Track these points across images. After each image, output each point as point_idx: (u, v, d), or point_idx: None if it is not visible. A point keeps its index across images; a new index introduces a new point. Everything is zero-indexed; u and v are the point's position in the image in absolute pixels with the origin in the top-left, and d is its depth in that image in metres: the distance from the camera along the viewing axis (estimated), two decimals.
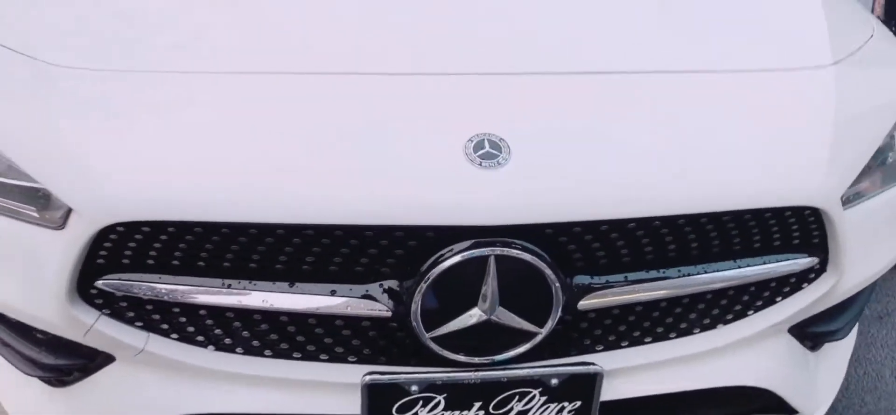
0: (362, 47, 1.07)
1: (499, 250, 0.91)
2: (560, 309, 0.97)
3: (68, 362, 1.09)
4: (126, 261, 0.96)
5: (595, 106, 1.04)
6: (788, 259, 1.08)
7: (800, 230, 1.07)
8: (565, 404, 1.04)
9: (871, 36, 1.33)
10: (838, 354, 1.39)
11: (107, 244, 0.94)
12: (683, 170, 0.98)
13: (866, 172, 1.15)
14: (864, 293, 1.31)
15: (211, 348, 1.01)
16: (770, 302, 1.12)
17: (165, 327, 1.00)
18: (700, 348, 1.10)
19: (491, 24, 1.15)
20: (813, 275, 1.12)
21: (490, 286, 0.93)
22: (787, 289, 1.12)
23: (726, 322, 1.11)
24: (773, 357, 1.18)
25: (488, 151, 0.93)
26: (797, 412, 1.26)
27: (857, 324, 1.41)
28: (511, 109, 0.99)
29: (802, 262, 1.09)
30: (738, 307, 1.11)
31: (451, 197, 0.91)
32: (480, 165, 0.92)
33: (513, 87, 1.03)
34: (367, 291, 0.95)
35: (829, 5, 1.36)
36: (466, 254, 0.91)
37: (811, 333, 1.24)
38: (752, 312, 1.12)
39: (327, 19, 1.13)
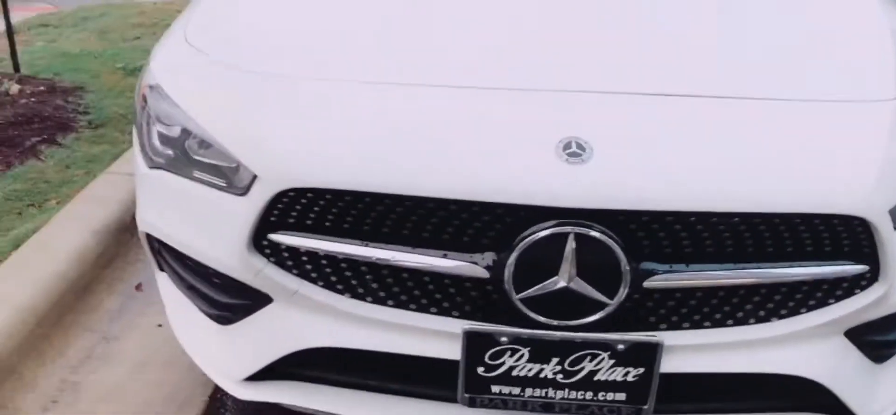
0: (490, 66, 1.35)
1: (577, 229, 1.14)
2: (628, 285, 1.17)
3: (238, 302, 1.41)
4: (291, 221, 1.26)
5: (669, 121, 1.25)
6: (840, 265, 1.23)
7: (850, 240, 1.22)
8: (630, 369, 1.24)
9: None
10: None
11: (279, 206, 1.25)
12: (741, 174, 1.17)
13: None
14: None
15: (348, 295, 1.29)
16: (823, 303, 1.27)
17: (314, 275, 1.29)
18: (754, 336, 1.26)
19: (590, 49, 1.40)
20: (865, 282, 1.26)
21: (569, 259, 1.16)
22: (839, 292, 1.26)
23: (780, 317, 1.26)
24: (827, 355, 1.31)
25: (575, 150, 1.17)
26: None
27: None
28: (598, 119, 1.23)
29: (853, 268, 1.23)
30: (791, 304, 1.26)
31: (542, 184, 1.15)
32: (567, 160, 1.16)
33: (601, 102, 1.27)
34: (471, 257, 1.20)
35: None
36: (551, 230, 1.14)
37: (870, 341, 1.36)
38: (805, 310, 1.27)
39: (464, 42, 1.43)
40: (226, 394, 1.69)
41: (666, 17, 1.56)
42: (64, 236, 2.12)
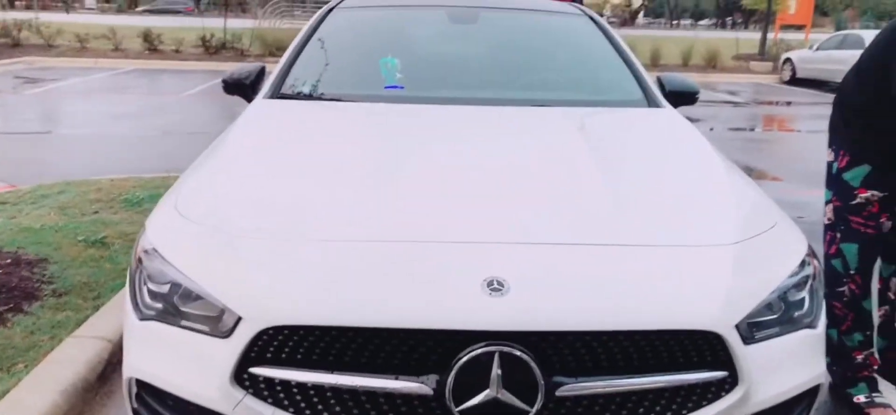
0: (428, 225, 1.72)
1: (501, 348, 1.45)
2: (543, 395, 1.47)
3: None
4: (268, 355, 1.52)
5: (565, 263, 1.62)
6: (705, 372, 1.58)
7: (711, 352, 1.57)
8: None
9: (773, 226, 1.91)
10: None
11: (259, 344, 1.51)
12: (621, 303, 1.53)
13: (769, 322, 1.67)
14: (785, 413, 1.75)
15: None
16: (698, 405, 1.59)
17: (286, 403, 1.53)
18: None
19: (501, 210, 1.79)
20: (728, 386, 1.60)
21: (496, 374, 1.46)
22: (710, 395, 1.60)
23: None
24: None
25: (495, 286, 1.51)
26: None
27: None
28: (511, 262, 1.59)
29: (715, 374, 1.58)
30: (674, 406, 1.58)
31: (471, 312, 1.47)
32: (490, 294, 1.50)
33: (512, 250, 1.64)
34: (418, 379, 1.49)
35: (743, 202, 1.97)
36: (480, 350, 1.45)
37: None
38: (686, 412, 1.59)
39: (405, 207, 1.80)
40: None
41: (558, 183, 2.01)
42: (34, 397, 2.26)
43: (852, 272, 2.60)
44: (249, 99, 3.15)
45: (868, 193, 2.52)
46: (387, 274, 1.57)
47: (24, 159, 6.47)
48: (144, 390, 1.76)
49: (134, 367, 1.75)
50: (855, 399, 2.65)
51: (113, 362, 2.63)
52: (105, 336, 2.68)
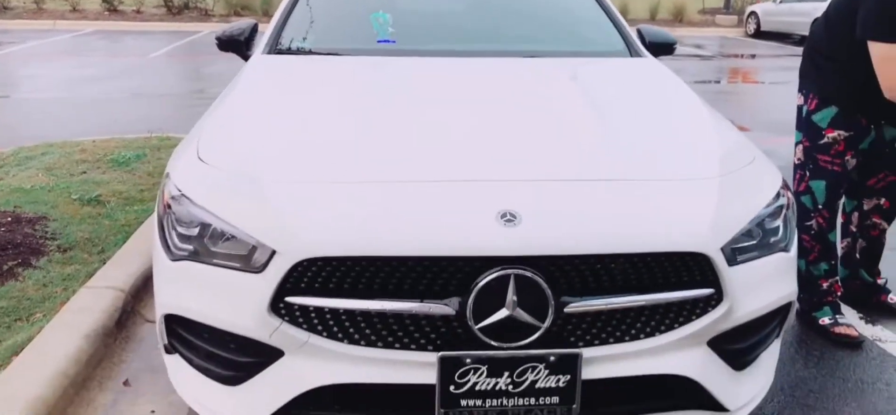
0: (448, 165, 1.87)
1: (515, 271, 1.61)
2: (553, 311, 1.65)
3: (252, 360, 1.76)
4: (302, 286, 1.66)
5: (570, 196, 1.78)
6: (695, 290, 1.77)
7: (700, 272, 1.76)
8: (560, 376, 1.69)
9: (752, 161, 2.10)
10: (760, 368, 2.01)
11: (293, 275, 1.65)
12: (620, 229, 1.70)
13: (749, 247, 1.86)
14: (762, 328, 1.97)
15: (346, 341, 1.68)
16: (689, 319, 1.79)
17: (320, 328, 1.68)
18: (644, 347, 1.74)
19: (514, 151, 1.95)
20: (714, 302, 1.79)
21: (511, 294, 1.62)
22: (698, 311, 1.79)
23: (661, 331, 1.76)
24: (697, 359, 1.80)
25: (509, 217, 1.67)
26: (724, 409, 1.88)
27: (767, 351, 2.04)
28: (523, 196, 1.74)
29: (703, 292, 1.76)
30: (667, 321, 1.77)
31: (489, 240, 1.63)
32: (504, 224, 1.65)
33: (524, 186, 1.79)
34: (442, 301, 1.64)
35: (724, 140, 2.16)
36: (497, 274, 1.61)
37: (727, 350, 1.88)
38: (677, 325, 1.78)
39: (428, 149, 1.95)
40: None
41: (557, 125, 2.17)
42: (59, 341, 2.37)
43: (820, 207, 2.83)
44: (244, 55, 3.23)
45: (835, 133, 2.74)
46: (410, 209, 1.71)
47: None
48: (178, 325, 1.88)
49: (168, 304, 1.87)
50: (820, 322, 2.91)
51: (127, 309, 2.74)
52: (117, 286, 2.78)
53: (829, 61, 2.74)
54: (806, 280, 2.92)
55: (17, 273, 2.86)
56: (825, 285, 2.92)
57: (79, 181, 4.14)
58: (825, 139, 2.76)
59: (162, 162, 4.67)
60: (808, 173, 2.84)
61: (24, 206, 3.59)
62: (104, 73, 9.79)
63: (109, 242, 3.27)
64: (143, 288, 2.92)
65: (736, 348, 1.91)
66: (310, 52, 2.94)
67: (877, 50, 2.50)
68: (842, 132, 2.73)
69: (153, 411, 2.27)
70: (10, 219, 3.33)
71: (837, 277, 2.98)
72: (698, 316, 1.78)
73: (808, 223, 2.87)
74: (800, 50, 14.48)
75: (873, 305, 3.11)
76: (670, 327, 1.77)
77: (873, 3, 2.49)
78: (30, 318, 2.59)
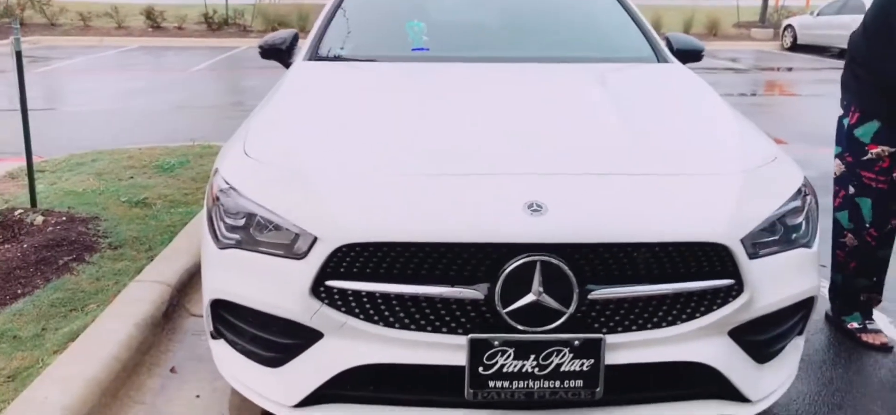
0: (478, 159, 1.98)
1: (542, 258, 1.70)
2: (577, 297, 1.73)
3: (293, 341, 1.88)
4: (341, 270, 1.77)
5: (594, 189, 1.86)
6: (716, 280, 1.83)
7: (720, 263, 1.82)
8: (584, 360, 1.76)
9: (774, 159, 2.15)
10: (782, 363, 2.06)
11: (333, 261, 1.76)
12: (643, 219, 1.78)
13: (770, 241, 1.91)
14: (784, 321, 2.01)
15: (381, 323, 1.79)
16: (710, 309, 1.85)
17: (357, 310, 1.79)
18: (666, 335, 1.81)
19: (541, 146, 2.04)
20: (735, 293, 1.85)
21: (537, 280, 1.71)
22: (719, 301, 1.85)
23: (682, 320, 1.83)
24: (718, 348, 1.87)
25: (535, 207, 1.76)
26: (745, 399, 1.93)
27: (791, 345, 2.08)
28: (548, 188, 1.83)
29: (723, 282, 1.83)
30: (688, 310, 1.83)
31: (517, 228, 1.72)
32: (531, 214, 1.74)
33: (550, 179, 1.88)
34: (471, 286, 1.74)
35: (747, 139, 2.22)
36: (524, 260, 1.70)
37: (748, 341, 1.93)
38: (698, 315, 1.84)
39: (460, 145, 2.05)
40: None
41: (584, 123, 2.26)
42: (112, 329, 2.53)
43: (867, 225, 2.75)
44: (285, 62, 3.39)
45: (878, 149, 2.65)
46: (443, 199, 1.82)
47: (45, 135, 6.68)
48: (225, 310, 2.01)
49: (216, 290, 2.00)
50: (848, 326, 2.91)
51: (173, 303, 2.89)
52: (164, 281, 2.94)
53: (869, 72, 2.66)
54: (841, 291, 2.91)
55: (72, 268, 3.04)
56: (863, 298, 2.89)
57: (127, 185, 4.34)
58: (869, 155, 2.68)
59: (204, 168, 4.87)
60: (851, 190, 2.75)
61: (77, 207, 3.80)
62: (148, 86, 10.16)
63: (156, 240, 3.44)
64: (187, 283, 3.08)
65: (758, 339, 1.96)
66: (348, 59, 3.08)
67: None
68: (886, 148, 2.64)
69: (198, 396, 2.40)
70: (65, 218, 3.53)
71: (879, 294, 2.91)
72: (719, 306, 1.84)
73: (842, 240, 2.83)
74: (838, 63, 14.30)
75: None
76: (691, 316, 1.83)
77: None
78: (84, 308, 2.75)
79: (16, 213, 3.55)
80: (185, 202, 4.08)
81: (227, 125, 7.53)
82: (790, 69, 13.61)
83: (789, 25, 17.68)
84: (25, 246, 3.17)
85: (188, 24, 18.32)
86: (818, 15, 16.66)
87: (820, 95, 9.95)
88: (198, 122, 7.50)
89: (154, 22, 18.20)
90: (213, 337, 2.12)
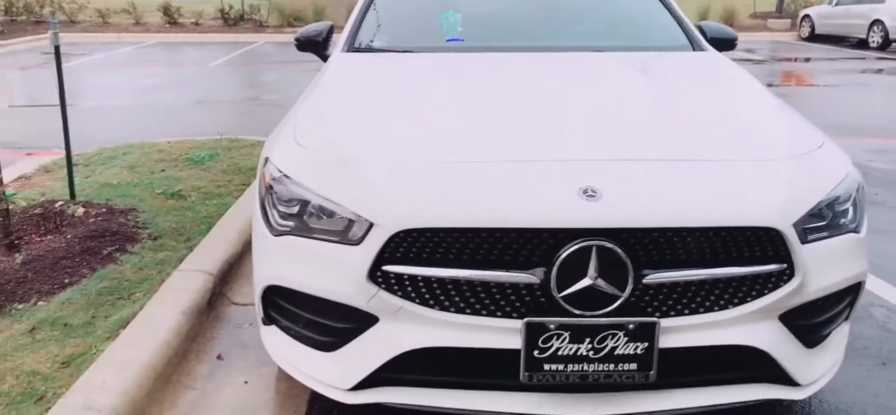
0: (534, 147, 2.00)
1: (597, 242, 1.72)
2: (632, 282, 1.75)
3: (348, 326, 1.91)
4: (398, 255, 1.80)
5: (649, 174, 1.88)
6: (768, 264, 1.84)
7: (772, 248, 1.84)
8: (638, 343, 1.79)
9: (821, 146, 2.16)
10: (830, 347, 2.07)
11: (390, 246, 1.79)
12: (697, 204, 1.79)
13: (820, 227, 1.92)
14: (833, 306, 2.03)
15: (437, 308, 1.82)
16: (762, 294, 1.86)
17: (413, 295, 1.82)
18: (720, 318, 1.83)
19: (594, 133, 2.06)
20: (786, 278, 1.87)
21: (593, 265, 1.73)
22: (771, 285, 1.86)
23: (735, 304, 1.85)
24: (769, 332, 1.88)
25: (590, 193, 1.78)
26: (794, 383, 1.95)
27: (838, 330, 2.09)
28: (603, 174, 1.85)
29: (776, 267, 1.84)
30: (741, 294, 1.85)
31: (573, 213, 1.74)
32: (586, 199, 1.77)
33: (604, 164, 1.91)
34: (528, 271, 1.76)
35: (794, 125, 2.23)
36: (580, 245, 1.72)
37: (798, 325, 1.95)
38: (750, 299, 1.86)
39: (516, 132, 2.07)
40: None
41: (632, 110, 2.28)
42: (161, 316, 2.58)
43: None
44: (321, 54, 3.43)
45: None
46: (498, 185, 1.84)
47: (71, 130, 6.79)
48: (278, 296, 2.05)
49: (270, 276, 2.03)
50: None
51: (216, 291, 2.94)
52: (206, 270, 2.98)
53: None
54: None
55: (115, 257, 3.09)
56: None
57: (160, 178, 4.40)
58: None
59: (234, 161, 4.92)
60: None
61: (114, 198, 3.86)
62: (168, 82, 10.25)
63: (194, 231, 3.49)
64: (228, 273, 3.12)
65: (807, 324, 1.97)
66: (385, 51, 3.11)
67: None
68: None
69: (246, 382, 2.45)
70: (104, 210, 3.59)
71: None
72: (771, 290, 1.86)
73: None
74: (856, 53, 14.16)
75: None
76: (743, 301, 1.85)
77: None
78: (131, 296, 2.80)
79: (57, 205, 3.62)
80: (219, 194, 4.13)
81: (249, 120, 7.65)
82: (808, 60, 13.49)
83: (807, 15, 17.51)
84: (69, 237, 3.22)
85: (205, 19, 18.44)
86: (836, 4, 16.49)
87: (839, 86, 9.87)
88: (219, 116, 7.57)
89: (171, 18, 18.33)
90: (265, 323, 2.16)
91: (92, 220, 3.42)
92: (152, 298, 2.72)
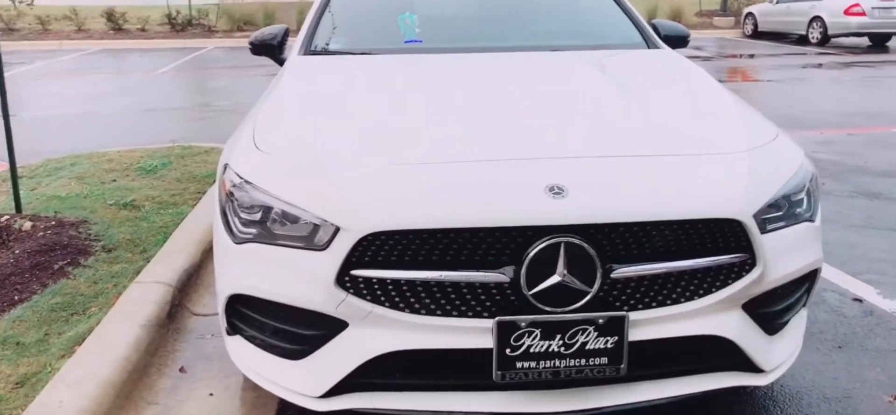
0: (500, 145, 2.00)
1: (565, 239, 1.74)
2: (601, 277, 1.77)
3: (317, 333, 1.88)
4: (366, 259, 1.78)
5: (612, 170, 1.91)
6: (730, 255, 1.89)
7: (734, 239, 1.88)
8: (608, 337, 1.81)
9: (776, 138, 2.22)
10: (790, 333, 2.13)
11: (358, 250, 1.77)
12: (660, 198, 1.82)
13: (777, 217, 1.98)
14: (791, 293, 2.09)
15: (407, 310, 1.80)
16: (725, 284, 1.90)
17: (383, 298, 1.80)
18: (685, 310, 1.86)
19: (557, 131, 2.08)
20: (748, 267, 1.91)
21: (561, 261, 1.74)
22: (733, 275, 1.91)
23: (699, 295, 1.88)
24: (733, 322, 1.93)
25: (556, 190, 1.79)
26: (758, 370, 2.00)
27: (797, 317, 2.16)
28: (568, 171, 1.87)
29: (737, 257, 1.89)
30: (705, 286, 1.89)
31: (539, 211, 1.75)
32: (553, 197, 1.78)
33: (569, 162, 1.92)
34: (497, 270, 1.76)
35: (748, 119, 2.29)
36: (548, 242, 1.73)
37: (760, 314, 2.00)
38: (714, 290, 1.90)
39: (481, 131, 2.07)
40: None
41: (591, 108, 2.31)
42: (119, 331, 2.49)
43: None
44: (277, 57, 3.37)
45: None
46: (465, 185, 1.84)
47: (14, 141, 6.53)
48: (242, 305, 2.00)
49: (233, 285, 1.98)
50: None
51: (175, 303, 2.86)
52: (164, 281, 2.90)
53: None
54: None
55: (68, 272, 2.98)
56: None
57: (111, 188, 4.26)
58: None
59: (188, 169, 4.80)
60: None
61: (63, 211, 3.72)
62: (115, 89, 9.95)
63: (150, 242, 3.39)
64: (187, 283, 3.04)
65: (768, 312, 2.03)
66: (343, 53, 3.08)
67: None
68: None
69: (211, 394, 2.39)
70: (53, 223, 3.46)
71: None
72: (734, 280, 1.90)
73: None
74: (797, 49, 14.65)
75: None
76: (708, 291, 1.89)
77: None
78: (86, 311, 2.71)
79: (2, 219, 3.46)
80: (174, 203, 4.02)
81: (201, 126, 7.48)
82: (752, 56, 13.93)
83: (750, 13, 18.08)
84: (17, 252, 3.09)
85: (151, 25, 17.97)
86: (778, 2, 17.07)
87: (783, 81, 10.22)
88: (170, 124, 7.38)
89: (115, 24, 17.80)
90: (230, 333, 2.11)
91: (41, 234, 3.29)
92: (109, 313, 2.62)
